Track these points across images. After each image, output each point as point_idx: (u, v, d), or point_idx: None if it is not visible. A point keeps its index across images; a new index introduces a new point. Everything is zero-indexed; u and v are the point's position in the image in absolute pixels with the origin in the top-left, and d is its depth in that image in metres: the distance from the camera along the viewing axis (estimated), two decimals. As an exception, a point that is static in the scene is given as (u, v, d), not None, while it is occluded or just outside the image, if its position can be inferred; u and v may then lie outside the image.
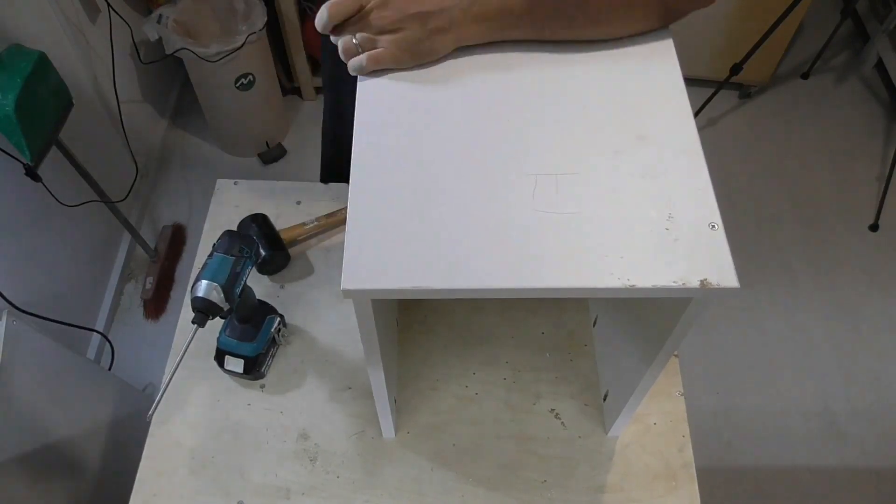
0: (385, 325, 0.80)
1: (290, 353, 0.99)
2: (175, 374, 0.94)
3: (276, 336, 0.97)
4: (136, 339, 1.95)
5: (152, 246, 2.07)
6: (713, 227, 0.58)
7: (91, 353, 1.86)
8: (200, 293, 0.82)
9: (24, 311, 1.40)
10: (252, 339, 0.93)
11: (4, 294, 1.35)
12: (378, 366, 0.71)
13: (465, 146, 0.64)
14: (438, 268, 0.56)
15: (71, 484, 1.24)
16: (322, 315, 1.02)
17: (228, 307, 0.84)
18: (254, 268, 0.92)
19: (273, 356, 0.98)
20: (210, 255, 0.85)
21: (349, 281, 0.56)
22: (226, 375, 0.96)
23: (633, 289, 0.55)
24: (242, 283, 0.86)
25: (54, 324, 1.52)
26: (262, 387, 0.96)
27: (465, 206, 0.60)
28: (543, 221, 0.59)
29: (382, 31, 0.66)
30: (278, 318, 0.97)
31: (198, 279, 0.83)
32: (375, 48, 0.66)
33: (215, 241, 0.87)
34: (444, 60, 0.70)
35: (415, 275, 0.56)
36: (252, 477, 0.89)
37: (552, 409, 0.94)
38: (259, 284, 1.04)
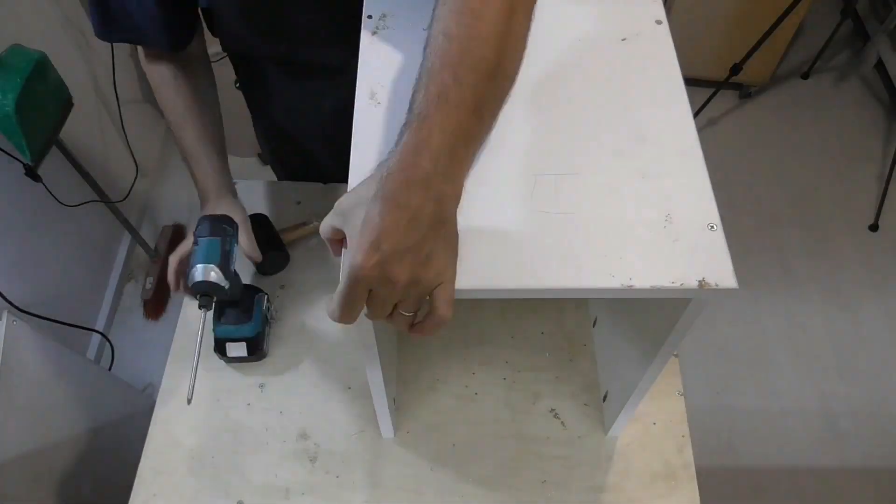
0: (384, 324, 0.80)
1: (290, 353, 0.99)
2: (175, 374, 0.95)
3: (266, 314, 0.98)
4: (137, 340, 1.96)
5: (152, 246, 2.07)
6: (712, 227, 0.59)
7: (91, 353, 1.86)
8: (199, 277, 0.83)
9: (24, 311, 1.40)
10: (248, 320, 0.94)
11: (4, 294, 1.35)
12: (376, 365, 0.71)
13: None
14: None
15: (71, 483, 1.24)
16: (322, 315, 1.02)
17: (228, 285, 0.85)
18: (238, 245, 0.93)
19: (269, 334, 0.99)
20: (195, 242, 0.86)
21: None
22: (225, 375, 0.96)
23: (631, 289, 0.55)
24: (234, 260, 0.88)
25: (54, 324, 1.52)
26: (262, 386, 0.96)
27: (464, 205, 0.60)
28: (543, 221, 0.59)
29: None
30: (266, 295, 0.99)
31: (191, 266, 0.84)
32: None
33: (195, 230, 0.88)
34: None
35: None
36: (252, 477, 0.89)
37: (552, 409, 0.94)
38: (259, 284, 1.04)
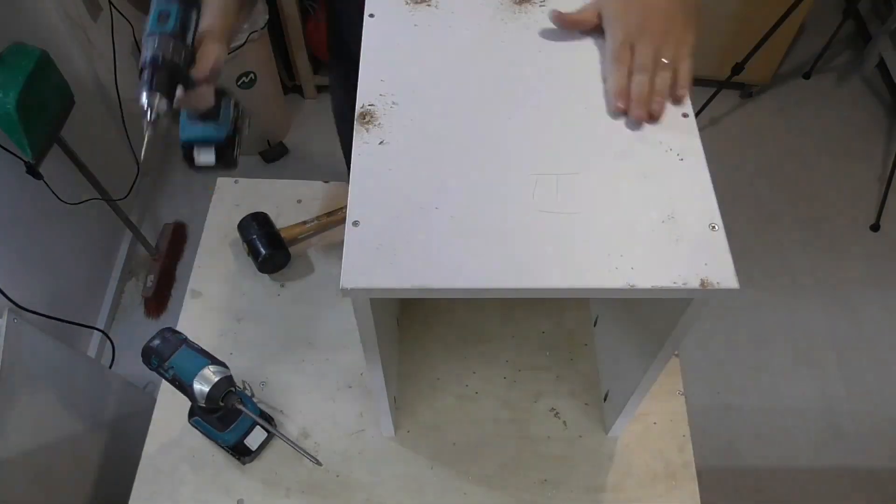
0: (385, 323, 0.80)
1: (290, 352, 0.99)
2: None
3: (238, 120, 0.85)
4: (137, 337, 1.95)
5: (153, 244, 2.07)
6: (714, 227, 0.59)
7: (92, 351, 1.86)
8: (149, 51, 0.70)
9: (25, 309, 1.40)
10: (215, 121, 0.82)
11: (5, 292, 1.35)
12: (377, 364, 0.71)
13: (466, 145, 0.64)
14: (438, 267, 0.56)
15: (72, 481, 1.25)
16: (322, 314, 1.02)
17: (183, 64, 0.72)
18: (199, 13, 0.77)
19: (240, 144, 0.86)
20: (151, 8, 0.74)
21: (348, 280, 0.56)
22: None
23: (633, 289, 0.55)
24: (192, 31, 0.75)
25: (55, 321, 1.52)
26: (263, 385, 0.96)
27: (466, 205, 0.60)
28: (544, 221, 0.59)
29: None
30: (233, 100, 0.85)
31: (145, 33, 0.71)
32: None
33: None
34: (445, 61, 0.70)
35: (414, 274, 0.56)
36: (252, 475, 0.89)
37: (552, 409, 0.94)
38: (259, 283, 1.05)
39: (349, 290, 0.56)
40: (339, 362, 0.98)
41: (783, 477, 1.80)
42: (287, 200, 1.13)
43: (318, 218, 1.09)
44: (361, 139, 0.64)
